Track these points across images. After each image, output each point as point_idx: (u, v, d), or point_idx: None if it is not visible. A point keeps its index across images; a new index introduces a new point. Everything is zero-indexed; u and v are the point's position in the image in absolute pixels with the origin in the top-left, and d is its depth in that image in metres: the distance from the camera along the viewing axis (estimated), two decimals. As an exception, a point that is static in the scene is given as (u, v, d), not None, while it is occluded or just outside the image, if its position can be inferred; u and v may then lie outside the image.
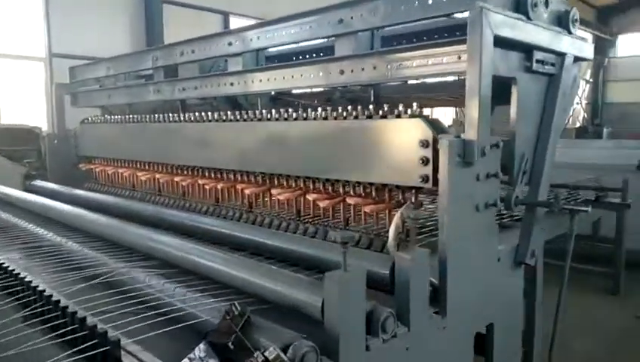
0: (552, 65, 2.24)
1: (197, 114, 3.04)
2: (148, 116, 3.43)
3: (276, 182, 2.66)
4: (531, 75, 2.17)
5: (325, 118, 2.32)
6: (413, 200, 2.12)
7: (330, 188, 2.43)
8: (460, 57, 1.99)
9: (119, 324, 1.51)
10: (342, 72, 2.39)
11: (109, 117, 3.95)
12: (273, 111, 2.57)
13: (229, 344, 1.39)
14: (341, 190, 2.39)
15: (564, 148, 5.82)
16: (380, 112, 2.11)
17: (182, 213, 2.87)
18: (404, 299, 1.65)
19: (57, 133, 4.47)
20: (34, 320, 1.62)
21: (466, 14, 2.75)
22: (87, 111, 4.35)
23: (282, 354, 1.30)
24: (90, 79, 4.25)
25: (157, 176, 3.42)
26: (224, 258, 1.94)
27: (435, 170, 1.89)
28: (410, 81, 2.84)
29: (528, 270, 2.37)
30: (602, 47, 20.40)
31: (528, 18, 2.01)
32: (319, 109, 2.36)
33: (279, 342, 1.35)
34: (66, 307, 1.57)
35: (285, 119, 2.50)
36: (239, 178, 2.86)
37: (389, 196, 2.23)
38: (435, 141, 1.89)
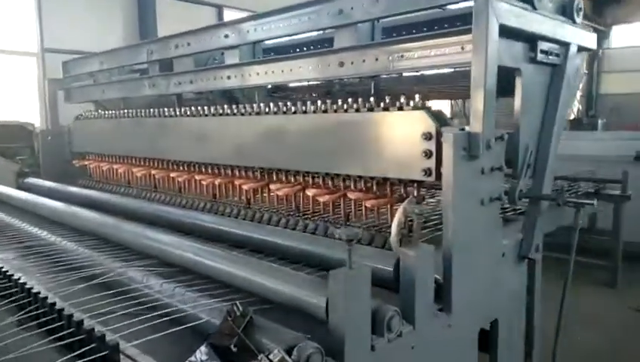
0: (557, 55, 2.20)
1: (193, 108, 2.97)
2: (143, 111, 3.37)
3: (275, 177, 2.61)
4: (535, 66, 2.13)
5: (325, 111, 2.27)
6: (415, 194, 2.07)
7: (330, 182, 2.39)
8: (463, 48, 1.94)
9: (117, 327, 1.46)
10: (342, 64, 2.34)
11: (103, 112, 3.88)
12: (272, 104, 2.51)
13: (232, 346, 1.35)
14: (341, 185, 2.34)
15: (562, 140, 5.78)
16: (382, 105, 2.06)
17: (179, 210, 2.82)
18: (409, 296, 1.61)
19: (51, 129, 4.41)
20: (29, 324, 1.57)
21: (466, 4, 2.73)
22: (81, 107, 4.28)
23: (287, 357, 1.26)
24: (84, 74, 4.17)
25: (153, 172, 3.37)
26: (224, 256, 1.89)
27: (438, 163, 1.85)
28: (409, 73, 2.79)
29: (527, 264, 2.34)
30: (597, 38, 20.30)
31: (533, 7, 1.97)
32: (319, 102, 2.30)
33: (283, 344, 1.31)
34: (62, 309, 1.52)
35: (284, 113, 2.44)
36: (237, 173, 2.81)
37: (390, 190, 2.18)
38: (439, 134, 1.84)
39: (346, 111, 2.18)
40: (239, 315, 1.43)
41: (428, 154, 1.88)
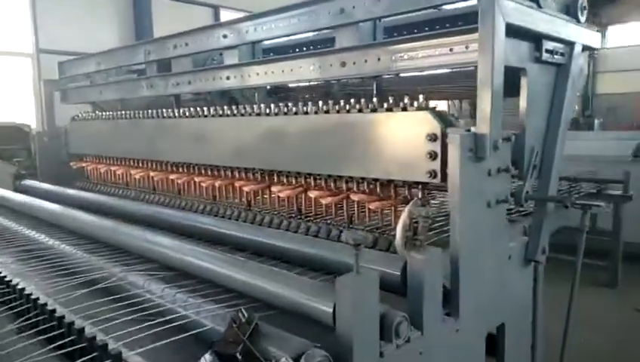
0: (562, 54, 2.17)
1: (192, 109, 2.94)
2: (141, 112, 3.32)
3: (276, 179, 2.58)
4: (540, 66, 2.10)
5: (327, 112, 2.23)
6: (419, 196, 2.04)
7: (332, 184, 2.35)
8: (467, 47, 1.91)
9: (119, 335, 1.43)
10: (343, 64, 2.31)
11: (100, 113, 3.83)
12: (272, 105, 2.48)
13: (237, 354, 1.31)
14: (344, 186, 2.31)
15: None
16: (385, 105, 2.03)
17: (179, 213, 2.78)
18: (417, 301, 1.58)
19: (47, 130, 4.36)
20: (29, 332, 1.53)
21: (467, 4, 2.71)
22: (78, 108, 4.23)
23: (294, 364, 1.23)
24: (80, 75, 4.13)
25: (151, 174, 3.32)
26: (227, 260, 1.86)
27: (444, 164, 1.81)
28: (406, 74, 2.75)
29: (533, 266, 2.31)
30: (595, 37, 20.32)
31: (539, 6, 1.94)
32: (320, 103, 2.27)
33: (290, 351, 1.28)
34: (63, 317, 1.49)
35: (285, 113, 2.41)
36: (237, 175, 2.77)
37: (394, 192, 2.15)
38: (444, 135, 1.81)
39: (348, 111, 2.15)
40: (244, 322, 1.39)
41: (433, 155, 1.85)
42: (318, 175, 2.37)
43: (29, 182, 4.06)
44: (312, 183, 2.43)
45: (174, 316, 1.57)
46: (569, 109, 2.24)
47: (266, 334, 1.38)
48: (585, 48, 2.31)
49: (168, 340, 1.41)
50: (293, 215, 2.53)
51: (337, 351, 1.35)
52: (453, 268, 1.74)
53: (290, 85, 3.32)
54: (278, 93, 3.52)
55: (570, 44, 2.20)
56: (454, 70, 2.54)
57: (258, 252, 2.20)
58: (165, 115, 3.12)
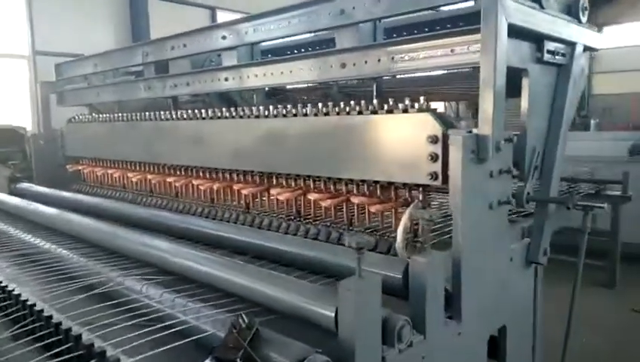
0: (563, 55, 2.16)
1: (190, 111, 2.91)
2: (138, 114, 3.30)
3: (275, 181, 2.55)
4: (542, 66, 2.09)
5: (327, 114, 2.21)
6: (420, 198, 2.03)
7: (332, 187, 2.33)
8: (469, 48, 1.89)
9: (118, 341, 1.40)
10: (343, 65, 2.29)
11: (97, 116, 3.80)
12: (271, 107, 2.45)
13: (237, 360, 1.29)
14: (344, 189, 2.29)
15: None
16: (386, 107, 2.01)
17: (177, 216, 2.76)
18: (419, 305, 1.56)
19: (43, 133, 4.32)
20: (25, 339, 1.50)
21: (467, 4, 2.69)
22: (73, 110, 4.20)
23: (296, 371, 1.21)
24: (77, 77, 4.10)
25: (149, 176, 3.29)
26: (227, 264, 1.83)
27: (445, 166, 1.79)
28: (404, 75, 2.73)
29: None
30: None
31: (541, 6, 1.93)
32: (320, 105, 2.25)
33: (292, 357, 1.26)
34: (60, 323, 1.46)
35: (284, 115, 2.38)
36: (236, 178, 2.75)
37: (395, 195, 2.13)
38: (445, 136, 1.79)
39: (348, 113, 2.13)
40: (245, 327, 1.37)
41: (434, 157, 1.83)
42: (318, 177, 2.35)
43: (25, 185, 4.03)
44: (312, 186, 2.40)
45: (173, 321, 1.55)
46: (570, 110, 2.22)
47: (267, 339, 1.35)
48: (586, 49, 2.30)
49: (168, 346, 1.38)
50: (293, 217, 2.51)
51: (339, 356, 1.33)
52: (455, 271, 1.72)
53: (289, 87, 3.31)
54: (277, 95, 3.50)
55: (571, 45, 2.18)
56: (450, 71, 2.53)
57: (257, 255, 2.18)
58: (163, 117, 3.09)
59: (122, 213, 2.97)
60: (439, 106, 2.04)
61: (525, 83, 2.02)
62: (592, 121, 18.92)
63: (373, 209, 2.17)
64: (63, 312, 1.60)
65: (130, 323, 1.55)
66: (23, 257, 2.33)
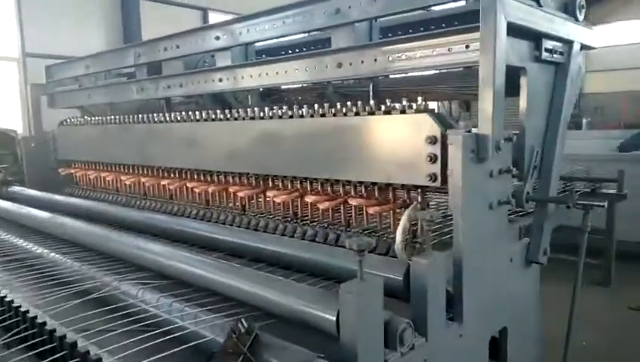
0: (561, 53, 2.14)
1: (184, 113, 2.87)
2: (131, 117, 3.26)
3: (271, 183, 2.52)
4: (540, 65, 2.07)
5: (323, 115, 2.19)
6: (419, 199, 2.00)
7: (329, 188, 2.31)
8: (467, 47, 1.87)
9: (114, 348, 1.37)
10: (339, 65, 2.26)
11: (89, 118, 3.76)
12: (267, 108, 2.42)
13: (237, 366, 1.26)
14: (341, 191, 2.26)
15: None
16: (383, 108, 1.98)
17: (171, 218, 2.72)
18: (421, 307, 1.53)
19: (34, 135, 4.27)
20: (18, 347, 1.46)
21: (463, 4, 2.68)
22: (66, 113, 4.15)
23: (298, 377, 1.18)
24: (68, 78, 4.05)
25: (142, 179, 3.25)
26: (224, 268, 1.80)
27: (444, 167, 1.77)
28: (397, 75, 2.71)
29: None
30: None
31: (539, 4, 1.91)
32: (316, 106, 2.22)
33: (293, 362, 1.23)
34: (54, 330, 1.42)
35: (280, 117, 2.36)
36: (231, 180, 2.71)
37: (393, 196, 2.11)
38: (444, 137, 1.77)
39: (345, 114, 2.10)
40: (244, 332, 1.34)
41: (433, 158, 1.81)
42: (315, 179, 2.33)
43: (16, 189, 3.98)
44: (309, 188, 2.38)
45: (171, 327, 1.52)
46: (568, 109, 2.21)
47: (267, 344, 1.33)
48: (583, 47, 2.28)
49: (165, 353, 1.35)
50: (290, 219, 2.48)
51: (341, 361, 1.30)
52: (456, 272, 1.70)
53: (284, 87, 3.28)
54: (271, 96, 3.47)
55: (569, 43, 2.17)
56: (442, 71, 2.51)
57: (254, 258, 2.15)
58: (156, 119, 3.06)
59: (116, 216, 2.93)
60: (432, 106, 2.02)
61: (523, 82, 2.01)
62: (584, 120, 19.02)
63: (371, 211, 2.15)
64: (57, 318, 1.57)
65: (126, 329, 1.52)
66: (15, 262, 2.29)
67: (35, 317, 1.52)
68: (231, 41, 2.74)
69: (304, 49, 3.26)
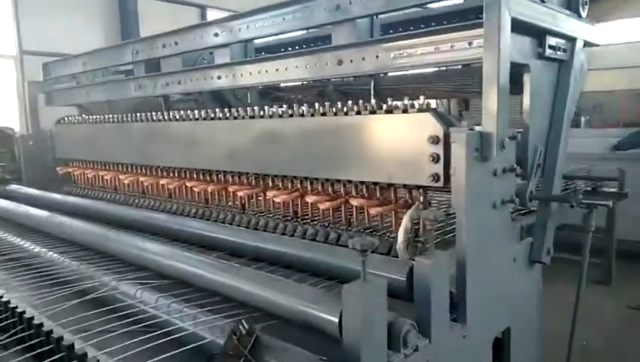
0: (564, 50, 2.12)
1: (183, 112, 2.84)
2: (129, 115, 3.22)
3: (271, 183, 2.50)
4: (543, 62, 2.05)
5: (324, 114, 2.16)
6: (421, 199, 1.98)
7: (329, 188, 2.28)
8: (470, 43, 1.85)
9: (112, 350, 1.34)
10: (340, 62, 2.24)
11: (86, 117, 3.72)
12: (266, 107, 2.40)
13: (238, 368, 1.24)
14: (342, 190, 2.23)
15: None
16: (385, 107, 1.96)
17: (171, 217, 2.69)
18: (424, 308, 1.51)
19: (32, 134, 4.24)
20: (15, 348, 1.44)
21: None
22: (64, 111, 4.12)
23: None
24: (66, 76, 4.01)
25: (141, 179, 3.22)
26: (224, 267, 1.78)
27: (446, 167, 1.75)
28: (394, 73, 2.68)
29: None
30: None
31: (542, 0, 1.89)
32: (317, 104, 2.20)
33: (295, 365, 1.21)
34: (51, 331, 1.40)
35: (280, 116, 2.33)
36: (231, 180, 2.69)
37: (395, 196, 2.08)
38: (447, 136, 1.74)
39: (346, 114, 2.07)
40: (245, 334, 1.32)
41: (435, 158, 1.78)
42: (315, 179, 2.30)
43: (14, 187, 3.95)
44: (309, 187, 2.35)
45: (170, 328, 1.50)
46: (571, 107, 2.18)
47: (268, 346, 1.31)
48: (586, 44, 2.26)
49: (165, 355, 1.33)
50: (290, 218, 2.45)
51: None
52: (459, 272, 1.67)
53: (283, 85, 3.25)
54: (270, 94, 3.44)
55: (572, 40, 2.14)
56: (441, 69, 2.49)
57: (255, 257, 2.13)
58: (155, 118, 3.03)
59: (115, 215, 2.90)
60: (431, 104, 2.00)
61: (527, 79, 1.98)
62: (583, 119, 19.02)
63: (373, 211, 2.13)
64: (55, 319, 1.55)
65: (124, 330, 1.50)
66: (12, 261, 2.27)
67: (32, 318, 1.50)
68: (230, 37, 2.71)
69: (304, 46, 3.24)
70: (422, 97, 1.89)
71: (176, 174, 3.01)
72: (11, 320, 1.56)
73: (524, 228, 2.27)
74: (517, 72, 1.94)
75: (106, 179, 3.55)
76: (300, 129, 2.25)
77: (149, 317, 1.59)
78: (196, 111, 2.75)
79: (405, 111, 1.89)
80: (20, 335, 1.49)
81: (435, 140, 1.78)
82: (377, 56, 2.12)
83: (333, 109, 2.12)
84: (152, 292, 1.74)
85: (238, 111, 2.52)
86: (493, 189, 1.79)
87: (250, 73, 2.62)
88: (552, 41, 2.03)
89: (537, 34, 1.97)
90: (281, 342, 1.33)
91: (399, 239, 1.84)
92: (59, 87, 4.13)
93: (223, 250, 2.24)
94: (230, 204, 2.74)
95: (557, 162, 2.11)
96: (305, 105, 2.24)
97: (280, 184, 2.45)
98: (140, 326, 1.53)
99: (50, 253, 2.27)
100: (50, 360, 1.33)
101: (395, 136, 1.91)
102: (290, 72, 2.46)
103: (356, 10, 2.18)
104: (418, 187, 1.96)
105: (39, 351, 1.39)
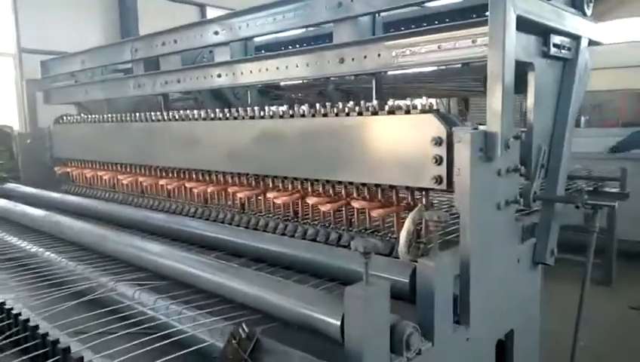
0: (569, 49, 2.09)
1: (182, 112, 2.81)
2: (128, 115, 3.19)
3: (271, 184, 2.47)
4: (548, 61, 2.02)
5: (325, 115, 2.13)
6: (424, 201, 1.95)
7: (331, 190, 2.25)
8: (474, 41, 1.82)
9: (110, 353, 1.31)
10: (342, 61, 2.21)
11: (85, 116, 3.69)
12: (267, 107, 2.37)
13: (238, 372, 1.21)
14: (343, 192, 2.21)
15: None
16: (387, 107, 1.92)
17: (170, 217, 2.66)
18: (427, 310, 1.48)
19: (30, 132, 4.22)
20: (10, 351, 1.41)
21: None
22: (62, 109, 4.09)
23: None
24: (64, 74, 3.98)
25: (140, 179, 3.19)
26: (223, 268, 1.75)
27: (449, 169, 1.72)
28: (394, 72, 2.65)
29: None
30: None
31: (547, -2, 1.86)
32: (318, 105, 2.17)
33: (296, 370, 1.18)
34: (47, 334, 1.37)
35: (281, 116, 2.30)
36: (230, 180, 2.65)
37: (397, 198, 2.05)
38: (450, 137, 1.71)
39: (347, 114, 2.04)
40: (245, 337, 1.30)
41: (438, 160, 1.75)
42: (316, 180, 2.27)
43: (12, 186, 3.93)
44: (310, 189, 2.32)
45: (169, 331, 1.47)
46: (576, 107, 2.15)
47: (269, 350, 1.29)
48: (590, 43, 2.23)
49: (163, 359, 1.30)
50: (290, 218, 2.42)
51: (345, 366, 1.25)
52: (463, 274, 1.64)
53: (283, 84, 3.22)
54: (270, 93, 3.41)
55: (576, 39, 2.12)
56: (441, 68, 2.46)
57: (255, 258, 2.10)
58: (154, 118, 2.99)
59: (113, 215, 2.88)
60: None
61: (531, 78, 1.95)
62: (582, 118, 18.97)
63: (374, 213, 2.09)
64: (51, 321, 1.52)
65: (122, 332, 1.47)
66: (9, 261, 2.24)
67: (28, 320, 1.46)
68: (230, 35, 2.68)
69: (304, 45, 3.21)
70: (424, 97, 1.86)
71: (176, 175, 2.98)
72: (6, 322, 1.53)
73: (528, 229, 2.25)
74: (521, 70, 1.92)
75: (105, 179, 3.51)
76: (301, 129, 2.23)
77: (147, 319, 1.56)
78: (196, 111, 2.73)
79: (408, 112, 1.86)
80: (15, 338, 1.46)
81: (438, 142, 1.75)
82: (379, 55, 2.09)
83: (335, 110, 2.09)
84: (150, 293, 1.71)
85: (238, 111, 2.49)
86: (498, 190, 1.76)
87: (251, 71, 2.59)
88: (556, 39, 2.00)
89: (542, 32, 1.94)
90: (281, 346, 1.31)
91: (401, 241, 1.81)
92: (57, 85, 4.10)
93: (223, 251, 2.22)
94: (230, 204, 2.71)
95: (561, 162, 2.08)
96: (306, 105, 2.21)
97: (280, 185, 2.42)
98: (137, 328, 1.50)
99: (48, 253, 2.24)
100: (46, 363, 1.30)
101: (397, 137, 1.88)
102: (290, 70, 2.43)
103: (358, 7, 2.15)
104: (420, 189, 1.93)
105: (35, 353, 1.36)
